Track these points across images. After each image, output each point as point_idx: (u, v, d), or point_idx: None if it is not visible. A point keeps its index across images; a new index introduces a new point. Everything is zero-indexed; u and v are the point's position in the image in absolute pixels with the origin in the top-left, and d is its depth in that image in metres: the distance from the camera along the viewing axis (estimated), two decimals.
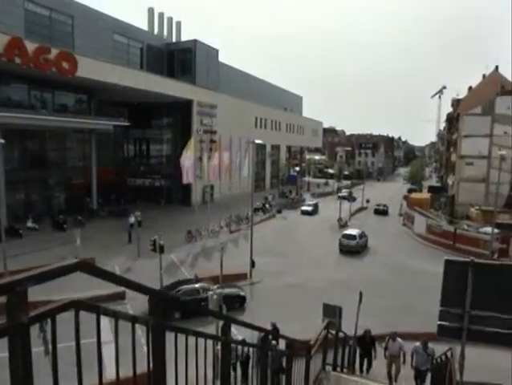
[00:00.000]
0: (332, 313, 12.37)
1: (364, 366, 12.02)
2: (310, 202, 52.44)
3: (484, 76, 62.90)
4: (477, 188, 47.51)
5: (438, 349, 10.36)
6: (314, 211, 48.97)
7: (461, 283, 6.62)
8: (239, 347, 7.24)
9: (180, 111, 46.68)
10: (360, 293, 12.92)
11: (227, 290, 17.97)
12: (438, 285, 6.89)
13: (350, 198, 50.03)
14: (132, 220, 30.02)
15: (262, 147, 57.33)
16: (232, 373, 7.30)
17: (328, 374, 8.80)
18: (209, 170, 34.46)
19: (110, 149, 45.36)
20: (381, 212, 50.80)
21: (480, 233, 33.37)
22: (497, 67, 60.75)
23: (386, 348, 11.25)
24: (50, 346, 1.58)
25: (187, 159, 32.90)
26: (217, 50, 55.59)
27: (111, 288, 16.05)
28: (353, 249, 30.72)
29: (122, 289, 16.14)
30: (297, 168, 77.57)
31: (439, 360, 9.91)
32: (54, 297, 2.69)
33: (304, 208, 49.24)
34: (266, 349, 5.77)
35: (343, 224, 40.95)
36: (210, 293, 12.71)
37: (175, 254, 27.42)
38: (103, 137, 41.08)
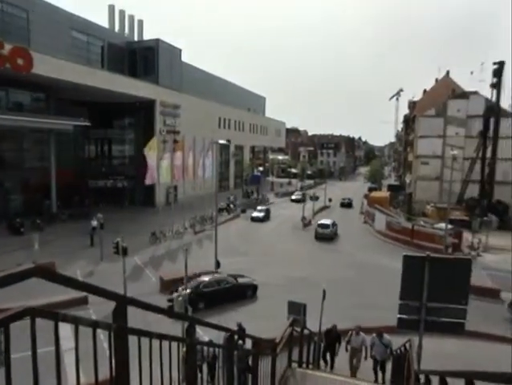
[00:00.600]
0: (297, 310, 12.53)
1: (329, 361, 12.27)
2: (261, 207, 46.58)
3: (436, 80, 65.92)
4: (432, 186, 49.78)
5: (398, 341, 10.75)
6: (266, 217, 44.13)
7: (419, 277, 6.93)
8: (206, 348, 7.22)
9: (143, 111, 45.77)
10: (324, 291, 13.20)
11: (241, 280, 20.61)
12: (398, 279, 7.18)
13: (302, 200, 49.63)
14: (94, 223, 29.08)
15: (225, 147, 57.23)
16: (199, 374, 7.27)
17: (294, 370, 8.93)
18: (172, 170, 34.05)
19: (70, 150, 43.67)
20: (346, 204, 57.96)
21: (435, 229, 34.90)
22: (448, 72, 63.85)
23: (348, 342, 11.47)
24: (3, 357, 1.52)
25: (150, 159, 32.37)
26: (179, 50, 54.92)
27: (72, 293, 15.57)
28: (327, 236, 35.04)
29: (84, 294, 15.62)
30: (260, 168, 77.92)
31: (398, 351, 10.26)
32: (11, 305, 2.56)
33: (255, 214, 43.93)
34: (232, 349, 5.79)
35: (306, 223, 41.63)
36: (175, 294, 12.57)
37: (139, 257, 26.87)
38: (63, 137, 39.49)
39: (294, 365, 9.36)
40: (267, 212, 45.24)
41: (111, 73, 40.57)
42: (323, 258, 29.76)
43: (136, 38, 55.31)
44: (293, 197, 59.06)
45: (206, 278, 19.85)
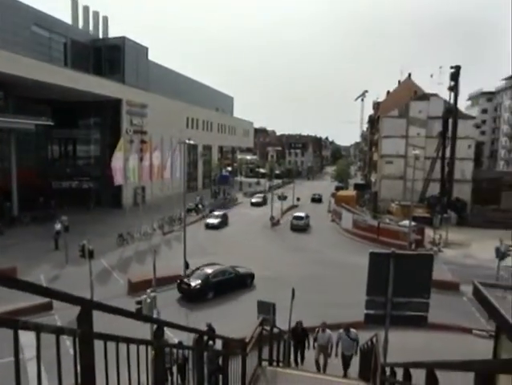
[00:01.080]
0: (266, 309, 12.62)
1: (299, 358, 12.41)
2: (218, 213, 41.63)
3: (399, 82, 68.09)
4: (397, 184, 51.35)
5: (365, 336, 11.02)
6: (223, 223, 40.17)
7: (384, 273, 7.14)
8: (177, 350, 7.14)
9: (109, 110, 44.71)
10: (293, 290, 13.33)
11: (242, 270, 22.77)
12: (365, 276, 7.37)
13: (262, 204, 49.91)
14: (58, 226, 28.08)
15: (193, 147, 56.81)
16: (169, 377, 7.19)
17: (264, 369, 8.99)
18: (139, 171, 33.44)
19: (32, 150, 41.98)
20: (317, 200, 63.64)
21: (400, 226, 36.03)
22: (409, 75, 66.12)
23: (315, 339, 11.64)
24: None
25: (117, 160, 31.66)
26: (146, 48, 53.99)
27: (37, 299, 15.00)
28: (301, 227, 39.73)
29: (48, 299, 15.08)
30: (229, 168, 77.82)
31: (365, 346, 10.53)
32: None
33: (210, 220, 39.40)
34: (202, 350, 5.75)
35: (275, 223, 41.97)
36: (143, 296, 12.38)
37: (106, 259, 26.26)
38: (25, 137, 37.90)
39: (265, 363, 9.43)
40: (224, 217, 40.93)
41: (75, 71, 39.31)
42: (292, 257, 30.07)
43: (100, 36, 53.86)
44: (253, 200, 55.99)
45: (210, 270, 21.19)
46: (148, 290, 14.04)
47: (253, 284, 22.82)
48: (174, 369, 8.08)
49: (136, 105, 46.22)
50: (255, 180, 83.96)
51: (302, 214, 41.89)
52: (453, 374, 2.95)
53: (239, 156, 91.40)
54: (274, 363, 10.40)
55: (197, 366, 5.33)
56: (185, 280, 20.42)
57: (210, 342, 8.24)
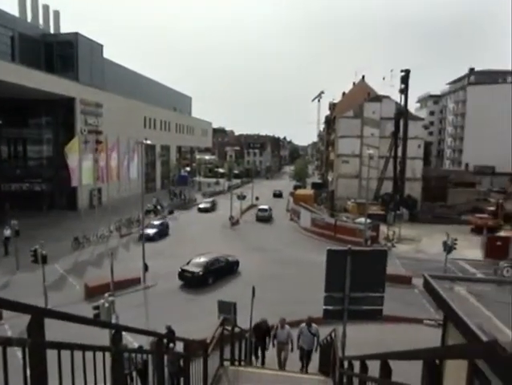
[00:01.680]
0: (227, 309, 12.63)
1: (260, 356, 12.44)
2: (156, 222, 36.80)
3: (354, 84, 70.26)
4: (352, 183, 52.89)
5: (325, 331, 11.31)
6: (162, 233, 34.98)
7: (341, 270, 7.37)
8: (135, 355, 6.99)
9: (62, 109, 42.85)
10: (253, 288, 13.42)
11: (230, 258, 25.24)
12: (323, 273, 7.57)
13: (211, 210, 49.11)
14: (7, 232, 26.54)
15: (151, 147, 55.64)
16: (129, 383, 7.03)
17: (226, 369, 9.00)
18: (95, 172, 32.33)
19: None
20: (278, 195, 69.72)
21: (356, 224, 37.20)
22: (363, 77, 68.44)
23: (275, 336, 11.57)
24: None
25: (72, 161, 30.42)
26: (101, 46, 52.10)
27: None
28: (266, 218, 45.25)
29: None
30: (187, 169, 76.90)
31: (325, 341, 10.81)
32: None
33: (148, 230, 32.64)
34: (161, 353, 5.67)
35: (234, 222, 42.04)
36: (101, 301, 12.02)
37: (60, 264, 25.24)
38: None
39: (227, 363, 9.44)
40: (163, 227, 35.95)
41: (23, 66, 37.21)
42: (252, 256, 30.18)
43: (52, 31, 51.39)
44: (200, 206, 51.01)
45: (207, 258, 23.81)
46: (106, 294, 13.66)
47: (238, 270, 25.58)
48: (135, 374, 7.90)
49: (91, 104, 44.60)
50: (214, 180, 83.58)
51: (266, 207, 47.23)
52: (404, 363, 3.12)
53: (198, 156, 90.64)
54: (236, 363, 10.43)
55: (157, 369, 5.25)
56: (187, 268, 22.67)
57: (171, 345, 8.14)
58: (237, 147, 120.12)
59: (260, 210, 46.59)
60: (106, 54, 54.02)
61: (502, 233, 33.47)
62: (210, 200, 54.20)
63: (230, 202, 43.45)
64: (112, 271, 16.46)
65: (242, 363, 11.02)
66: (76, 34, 47.51)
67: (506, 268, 24.37)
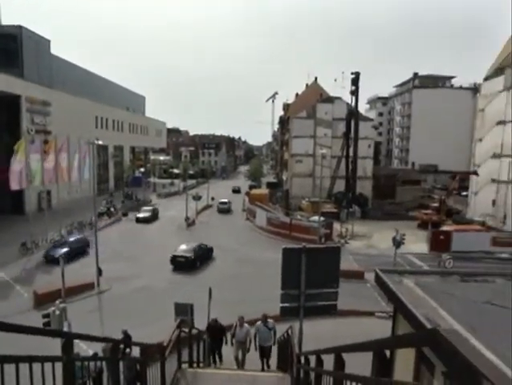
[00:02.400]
0: (184, 311, 12.51)
1: (218, 357, 12.35)
2: (71, 239, 29.88)
3: (307, 85, 71.78)
4: (307, 182, 54.02)
5: (282, 329, 11.48)
6: (78, 252, 27.89)
7: (297, 267, 7.53)
8: (88, 363, 6.76)
9: (6, 107, 40.12)
10: (210, 289, 13.41)
11: (203, 246, 28.78)
12: (279, 271, 7.69)
13: (151, 219, 43.25)
14: None
15: (103, 148, 53.76)
16: None
17: (185, 371, 8.92)
18: (43, 173, 30.67)
19: None
20: (236, 190, 74.36)
21: (310, 222, 38.01)
22: (316, 78, 70.14)
23: (233, 335, 11.34)
24: None
25: (17, 162, 28.57)
26: (48, 41, 49.46)
27: None
28: (226, 209, 51.59)
29: None
30: (142, 169, 75.12)
31: (282, 338, 10.97)
32: None
33: (50, 253, 26.36)
34: (116, 360, 5.54)
35: (190, 223, 41.61)
36: (51, 309, 11.49)
37: (7, 271, 23.84)
38: None
39: (185, 366, 9.35)
40: (78, 245, 28.92)
41: None
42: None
43: None
44: (139, 216, 43.01)
45: (193, 245, 27.85)
46: (57, 302, 13.09)
47: (212, 255, 29.62)
48: (89, 383, 7.64)
49: (38, 102, 42.24)
50: (169, 180, 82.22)
51: (226, 200, 53.91)
52: (358, 354, 3.28)
53: (152, 157, 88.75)
54: (195, 365, 10.35)
55: (112, 376, 5.13)
56: (179, 254, 26.70)
57: (127, 350, 7.94)
58: (192, 148, 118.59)
59: (221, 203, 52.98)
60: (55, 51, 51.64)
61: (445, 228, 35.58)
62: (150, 208, 46.65)
63: (186, 203, 42.91)
64: (63, 277, 15.76)
65: (201, 365, 10.96)
66: (20, 27, 44.81)
67: (448, 260, 25.92)
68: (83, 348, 11.50)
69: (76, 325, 12.48)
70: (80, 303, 19.34)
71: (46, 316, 11.82)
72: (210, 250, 29.63)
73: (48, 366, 2.82)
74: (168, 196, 64.75)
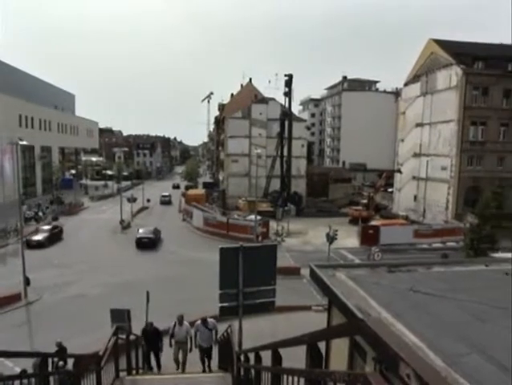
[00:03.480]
0: (121, 317, 12.06)
1: (155, 362, 11.72)
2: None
3: (242, 86, 72.36)
4: (243, 181, 54.58)
5: (221, 328, 11.51)
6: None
7: (235, 266, 7.64)
8: (16, 382, 6.30)
9: None
10: (147, 293, 13.08)
11: (158, 230, 35.15)
12: (218, 271, 7.74)
13: (43, 245, 33.27)
14: None
15: (29, 148, 49.86)
16: None
17: (123, 379, 8.64)
18: None
19: None
20: (176, 187, 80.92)
21: (247, 221, 38.42)
22: (250, 79, 70.97)
23: (172, 335, 10.79)
24: None
25: None
26: None
27: None
28: (167, 201, 60.26)
29: None
30: (73, 171, 71.44)
31: (222, 337, 11.00)
32: None
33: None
34: (45, 375, 5.24)
35: (125, 226, 40.17)
36: None
37: None
38: None
39: (123, 374, 9.05)
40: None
41: None
42: (146, 260, 29.35)
43: None
44: (33, 238, 31.33)
45: (150, 228, 34.73)
46: None
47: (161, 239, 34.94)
48: None
49: None
50: (102, 182, 78.65)
51: (167, 193, 62.79)
52: (299, 348, 3.44)
53: (84, 158, 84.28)
54: (134, 372, 10.05)
55: None
56: (143, 236, 32.69)
57: (61, 363, 7.50)
58: (126, 148, 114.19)
59: (163, 196, 61.03)
60: None
61: (373, 223, 37.88)
62: (48, 227, 34.87)
63: (120, 205, 41.27)
64: None
65: (140, 371, 10.65)
66: None
67: (376, 253, 27.64)
68: (8, 366, 10.68)
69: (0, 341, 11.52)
70: (5, 317, 17.86)
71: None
72: (160, 232, 35.29)
73: None
74: (102, 199, 61.91)
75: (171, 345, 10.82)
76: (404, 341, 2.00)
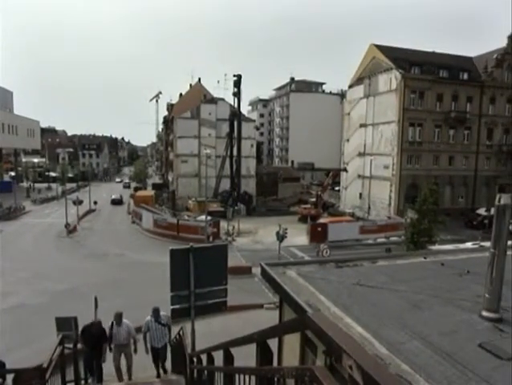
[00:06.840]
0: (67, 325, 11.43)
1: (96, 371, 9.56)
2: None
3: (190, 85, 71.52)
4: (193, 182, 54.07)
5: (173, 331, 11.31)
6: None
7: (185, 268, 7.58)
8: None
9: None
10: (95, 298, 12.57)
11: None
12: (168, 273, 7.63)
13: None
14: None
15: None
16: None
17: None
18: None
19: None
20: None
21: (197, 221, 38.09)
22: (199, 79, 70.33)
23: (110, 337, 9.22)
24: None
25: None
26: None
27: None
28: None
29: None
30: (12, 173, 67.40)
31: (175, 340, 10.80)
32: None
33: None
34: None
35: (71, 230, 38.33)
36: None
37: None
38: None
39: None
40: None
41: None
42: (93, 264, 28.20)
43: None
44: None
45: (117, 195, 57.24)
46: None
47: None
48: None
49: None
50: (46, 185, 74.31)
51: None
52: (252, 346, 3.50)
53: (24, 160, 79.08)
54: (83, 382, 9.61)
55: None
56: (115, 198, 53.83)
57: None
58: (71, 149, 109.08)
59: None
60: None
61: (321, 220, 39.02)
62: None
63: (65, 208, 39.26)
64: None
65: (89, 381, 10.13)
66: None
67: (325, 249, 28.51)
68: None
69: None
70: None
71: None
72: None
73: None
74: (45, 202, 58.68)
75: (111, 350, 9.27)
76: (346, 333, 2.10)
